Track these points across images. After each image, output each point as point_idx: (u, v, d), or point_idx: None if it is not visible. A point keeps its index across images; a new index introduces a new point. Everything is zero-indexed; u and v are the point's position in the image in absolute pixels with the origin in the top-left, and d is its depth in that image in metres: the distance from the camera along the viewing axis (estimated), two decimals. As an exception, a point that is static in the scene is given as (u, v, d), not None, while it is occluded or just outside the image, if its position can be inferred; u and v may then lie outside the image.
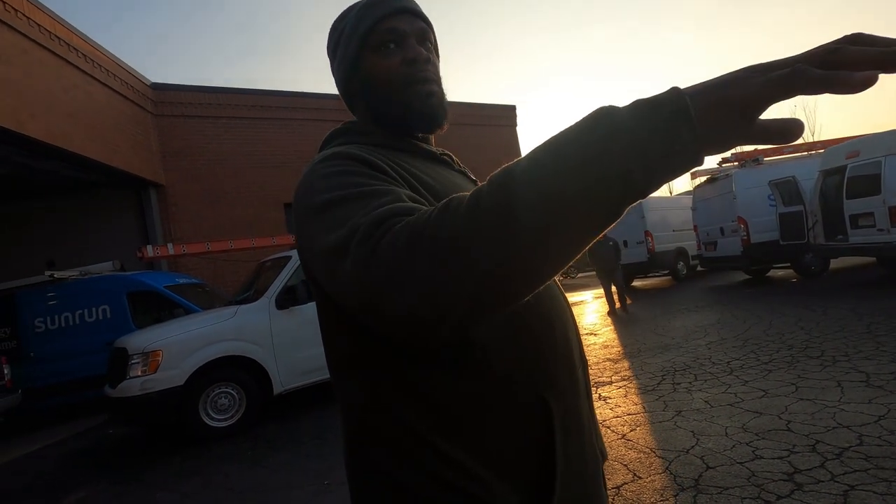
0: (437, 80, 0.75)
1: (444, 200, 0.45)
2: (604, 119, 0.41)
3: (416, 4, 0.76)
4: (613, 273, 8.80)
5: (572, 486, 0.63)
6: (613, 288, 8.98)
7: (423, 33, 0.74)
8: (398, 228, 0.45)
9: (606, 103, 0.43)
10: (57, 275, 7.07)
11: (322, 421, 4.80)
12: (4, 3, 6.33)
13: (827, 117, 44.21)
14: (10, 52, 6.40)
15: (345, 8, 0.79)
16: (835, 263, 9.39)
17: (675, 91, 0.40)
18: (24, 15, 6.67)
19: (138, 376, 4.54)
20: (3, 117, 6.07)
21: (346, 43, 0.75)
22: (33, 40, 6.84)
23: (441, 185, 0.67)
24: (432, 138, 0.80)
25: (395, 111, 0.73)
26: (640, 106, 0.41)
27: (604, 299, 11.12)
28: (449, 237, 0.42)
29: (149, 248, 8.43)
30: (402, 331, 0.45)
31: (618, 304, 8.88)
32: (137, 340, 4.80)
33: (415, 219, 0.45)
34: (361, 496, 0.65)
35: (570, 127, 0.43)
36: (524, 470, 0.60)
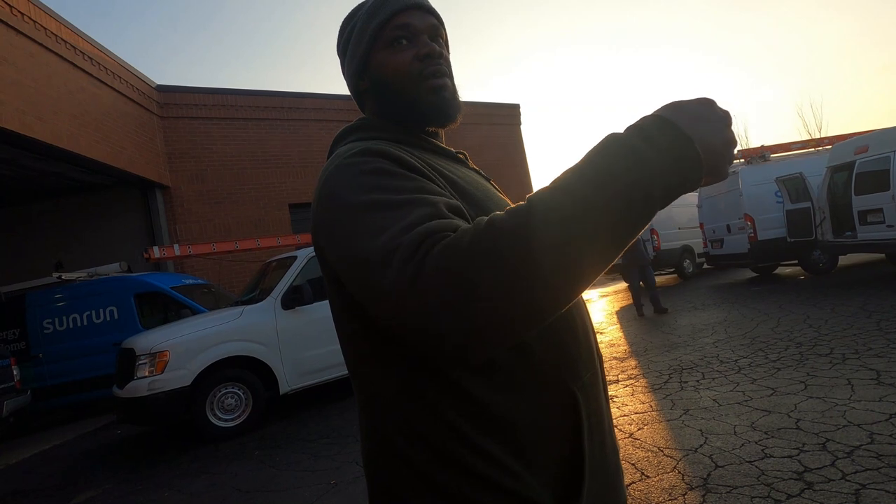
0: (450, 75, 0.75)
1: (480, 226, 0.46)
2: (628, 153, 0.49)
3: (427, 0, 0.76)
4: (646, 269, 7.98)
5: (598, 479, 0.64)
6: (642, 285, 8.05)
7: (434, 29, 0.74)
8: (439, 251, 0.45)
9: (613, 131, 0.52)
10: (65, 276, 7.13)
11: (328, 420, 4.81)
12: (11, 6, 6.38)
13: (834, 113, 43.84)
14: (16, 55, 6.44)
15: (354, 6, 0.78)
16: (843, 260, 9.30)
17: (684, 136, 0.50)
18: (30, 19, 6.72)
19: (146, 377, 4.57)
20: (11, 120, 6.12)
21: (356, 39, 0.74)
22: (40, 44, 6.89)
23: (466, 184, 0.67)
24: (443, 137, 0.79)
25: (405, 106, 0.72)
26: (660, 145, 0.49)
27: (610, 298, 11.09)
28: (494, 277, 0.43)
29: (155, 249, 8.47)
30: (440, 354, 0.47)
31: (644, 304, 7.95)
32: (144, 341, 4.83)
33: (455, 242, 0.45)
34: (385, 491, 0.64)
35: (595, 157, 0.49)
36: (553, 462, 0.61)
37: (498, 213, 0.47)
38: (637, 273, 7.96)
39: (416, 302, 0.45)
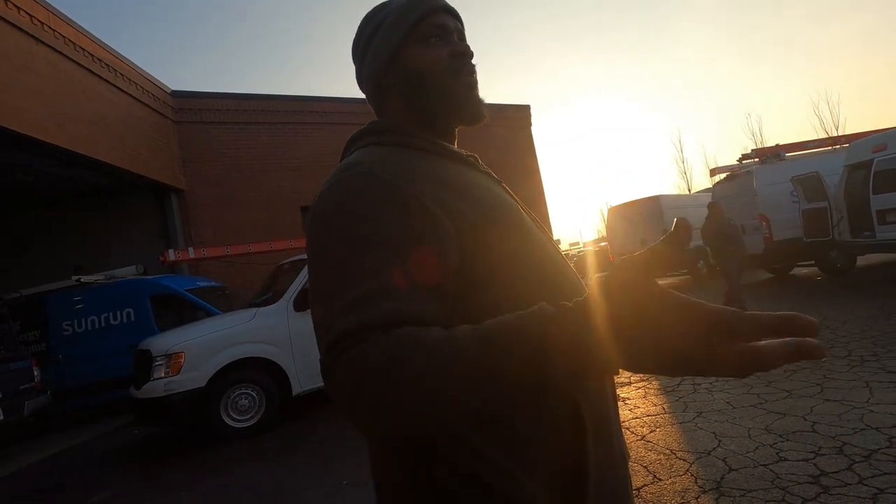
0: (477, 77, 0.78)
1: (386, 353, 0.48)
2: (543, 342, 0.48)
3: (452, 6, 0.79)
4: (744, 260, 6.83)
5: (603, 489, 0.63)
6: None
7: (462, 33, 0.78)
8: (348, 360, 0.49)
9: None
10: (83, 279, 7.27)
11: (340, 422, 4.84)
12: (31, 16, 6.55)
13: (851, 110, 43.04)
14: (37, 63, 6.61)
15: (373, 6, 0.80)
16: (861, 261, 9.13)
17: (610, 357, 0.46)
18: (49, 28, 6.88)
19: (162, 378, 4.64)
20: (31, 127, 6.28)
21: (386, 33, 0.76)
22: (59, 52, 7.05)
23: (474, 189, 0.68)
24: (456, 140, 0.80)
25: (438, 102, 0.74)
26: (583, 345, 0.47)
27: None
28: (394, 396, 0.47)
29: (170, 252, 8.62)
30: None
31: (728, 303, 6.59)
32: (160, 343, 4.90)
33: (362, 358, 0.48)
34: (390, 497, 0.65)
35: (511, 338, 0.48)
36: (556, 472, 0.60)
37: (408, 337, 0.49)
38: (735, 263, 6.78)
39: (329, 386, 0.52)
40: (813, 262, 9.20)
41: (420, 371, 0.47)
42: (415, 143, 0.71)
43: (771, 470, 2.49)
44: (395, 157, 0.67)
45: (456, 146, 0.79)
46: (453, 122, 0.76)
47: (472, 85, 0.75)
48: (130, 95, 8.89)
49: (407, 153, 0.69)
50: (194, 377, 4.67)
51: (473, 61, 0.77)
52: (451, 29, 0.75)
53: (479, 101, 0.76)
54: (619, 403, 4.05)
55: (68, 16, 7.31)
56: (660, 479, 2.60)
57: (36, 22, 6.63)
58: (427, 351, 0.48)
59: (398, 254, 0.56)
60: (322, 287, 0.58)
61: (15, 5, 6.29)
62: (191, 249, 8.93)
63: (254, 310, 5.28)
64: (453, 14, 0.78)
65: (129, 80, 8.88)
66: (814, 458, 2.52)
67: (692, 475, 2.59)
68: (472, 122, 0.77)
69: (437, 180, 0.65)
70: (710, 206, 7.24)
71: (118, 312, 7.14)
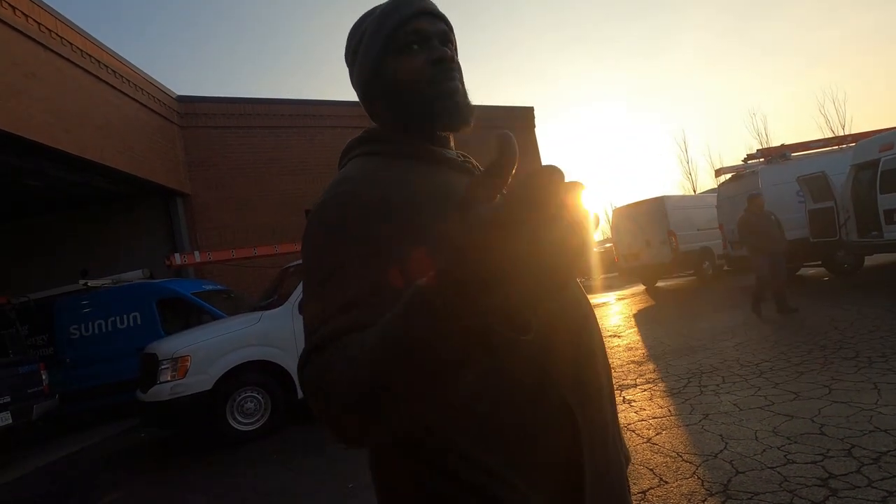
0: (461, 79, 0.75)
1: (330, 362, 0.50)
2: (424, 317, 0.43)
3: (436, 6, 0.77)
4: (779, 257, 6.51)
5: (597, 492, 0.63)
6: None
7: (444, 35, 0.75)
8: (308, 371, 0.53)
9: None
10: (90, 283, 7.33)
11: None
12: (39, 24, 6.62)
13: (858, 109, 42.77)
14: (45, 70, 6.68)
15: (362, 13, 0.79)
16: (869, 261, 9.06)
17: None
18: (57, 35, 6.96)
19: (168, 381, 4.66)
20: (40, 133, 6.34)
21: (367, 46, 0.75)
22: (66, 59, 7.13)
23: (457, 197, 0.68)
24: (452, 143, 0.79)
25: (419, 110, 0.73)
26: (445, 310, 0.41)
27: (628, 301, 10.94)
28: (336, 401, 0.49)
29: (176, 256, 8.67)
30: None
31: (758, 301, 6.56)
32: (167, 346, 4.93)
33: (322, 368, 0.51)
34: (386, 498, 0.66)
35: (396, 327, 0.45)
36: (551, 476, 0.60)
37: (340, 343, 0.51)
38: (767, 260, 6.45)
39: (303, 389, 0.54)
40: (820, 262, 9.14)
41: (341, 368, 0.49)
42: (408, 152, 0.72)
43: (779, 472, 2.47)
44: (386, 169, 0.68)
45: (453, 148, 0.79)
46: (438, 129, 0.75)
47: (453, 91, 0.72)
48: (136, 101, 8.96)
49: (400, 163, 0.69)
50: (200, 380, 4.69)
51: (458, 61, 0.76)
52: (430, 33, 0.73)
53: (463, 106, 0.73)
54: (625, 405, 4.03)
55: (75, 23, 7.39)
56: (666, 482, 2.59)
57: (43, 29, 6.70)
58: (342, 349, 0.50)
59: (379, 271, 0.58)
60: (306, 303, 0.61)
61: (23, 13, 6.36)
62: (196, 253, 8.98)
63: (259, 313, 5.30)
64: (434, 14, 0.75)
65: (135, 85, 8.95)
66: (822, 461, 2.50)
67: (699, 478, 2.57)
68: (458, 128, 0.75)
69: (429, 192, 0.65)
70: (750, 198, 7.01)
71: (125, 316, 7.19)
